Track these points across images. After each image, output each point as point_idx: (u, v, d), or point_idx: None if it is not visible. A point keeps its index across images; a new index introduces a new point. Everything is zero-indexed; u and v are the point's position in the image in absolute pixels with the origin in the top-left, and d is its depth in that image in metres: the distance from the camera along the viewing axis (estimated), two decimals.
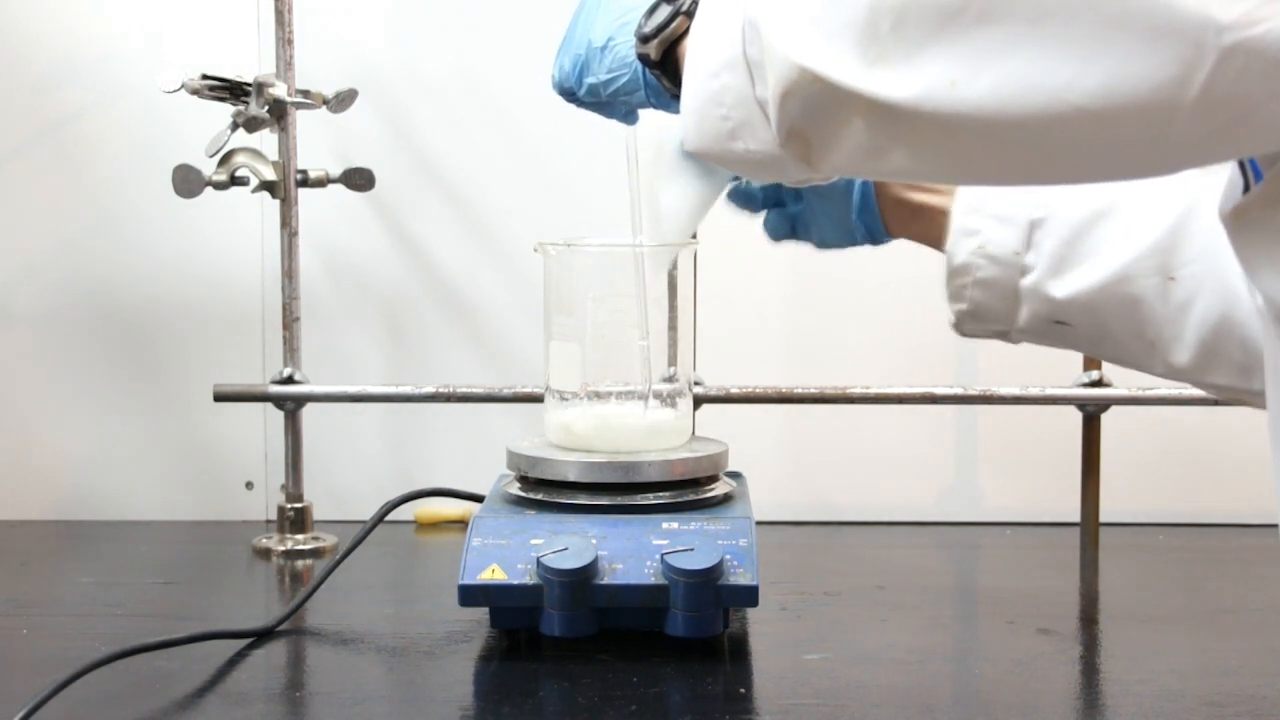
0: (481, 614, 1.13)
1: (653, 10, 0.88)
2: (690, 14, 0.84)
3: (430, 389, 1.48)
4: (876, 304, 1.59)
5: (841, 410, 1.51)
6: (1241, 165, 0.69)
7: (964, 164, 0.68)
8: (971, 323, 1.02)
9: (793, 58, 0.69)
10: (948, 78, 0.62)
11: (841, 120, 0.68)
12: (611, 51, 0.94)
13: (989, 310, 1.00)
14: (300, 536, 1.48)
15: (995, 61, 0.61)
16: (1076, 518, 1.48)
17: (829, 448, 1.61)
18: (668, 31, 0.87)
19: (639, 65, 0.92)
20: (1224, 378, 0.92)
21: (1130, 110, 0.59)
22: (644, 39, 0.89)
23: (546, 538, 1.08)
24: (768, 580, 1.10)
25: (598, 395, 1.22)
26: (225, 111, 1.43)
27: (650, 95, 0.94)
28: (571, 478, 1.16)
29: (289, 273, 1.47)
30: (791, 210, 1.10)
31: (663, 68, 0.88)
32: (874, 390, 1.46)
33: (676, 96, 0.84)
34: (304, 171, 1.48)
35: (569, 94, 1.01)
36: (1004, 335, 1.02)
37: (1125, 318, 0.94)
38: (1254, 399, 0.92)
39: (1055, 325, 0.98)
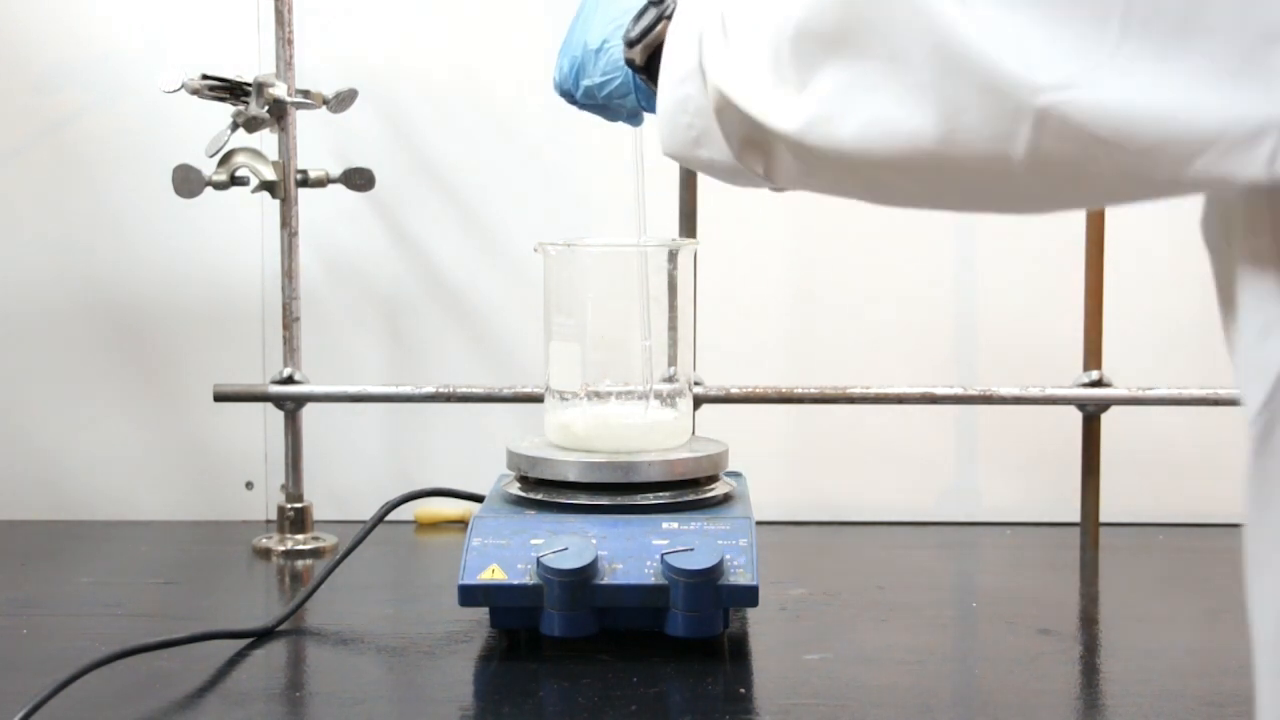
0: (481, 614, 1.13)
1: (640, 15, 0.88)
2: (673, 19, 0.84)
3: (430, 389, 1.48)
4: (876, 304, 1.60)
5: (841, 410, 1.51)
6: None
7: (872, 191, 0.69)
8: None
9: (712, 79, 0.71)
10: (826, 111, 0.64)
11: (771, 141, 0.70)
12: (606, 54, 0.95)
13: None
14: (300, 536, 1.48)
15: (862, 100, 0.62)
16: (1076, 518, 1.48)
17: (829, 448, 1.61)
18: (651, 36, 0.87)
19: (629, 69, 0.92)
20: None
21: (974, 160, 0.59)
22: (630, 43, 0.88)
23: (546, 538, 1.08)
24: (768, 580, 1.10)
25: (598, 395, 1.22)
26: (225, 111, 1.43)
27: (640, 99, 0.95)
28: (571, 478, 1.16)
29: (289, 273, 1.47)
30: None
31: (648, 72, 0.88)
32: (874, 390, 1.46)
33: None
34: (304, 171, 1.48)
35: (568, 96, 1.01)
36: None
37: None
38: None
39: None
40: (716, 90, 0.71)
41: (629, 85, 0.94)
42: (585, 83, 0.97)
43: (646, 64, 0.88)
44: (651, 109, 0.94)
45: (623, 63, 0.92)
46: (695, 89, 0.75)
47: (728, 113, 0.71)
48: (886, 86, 0.61)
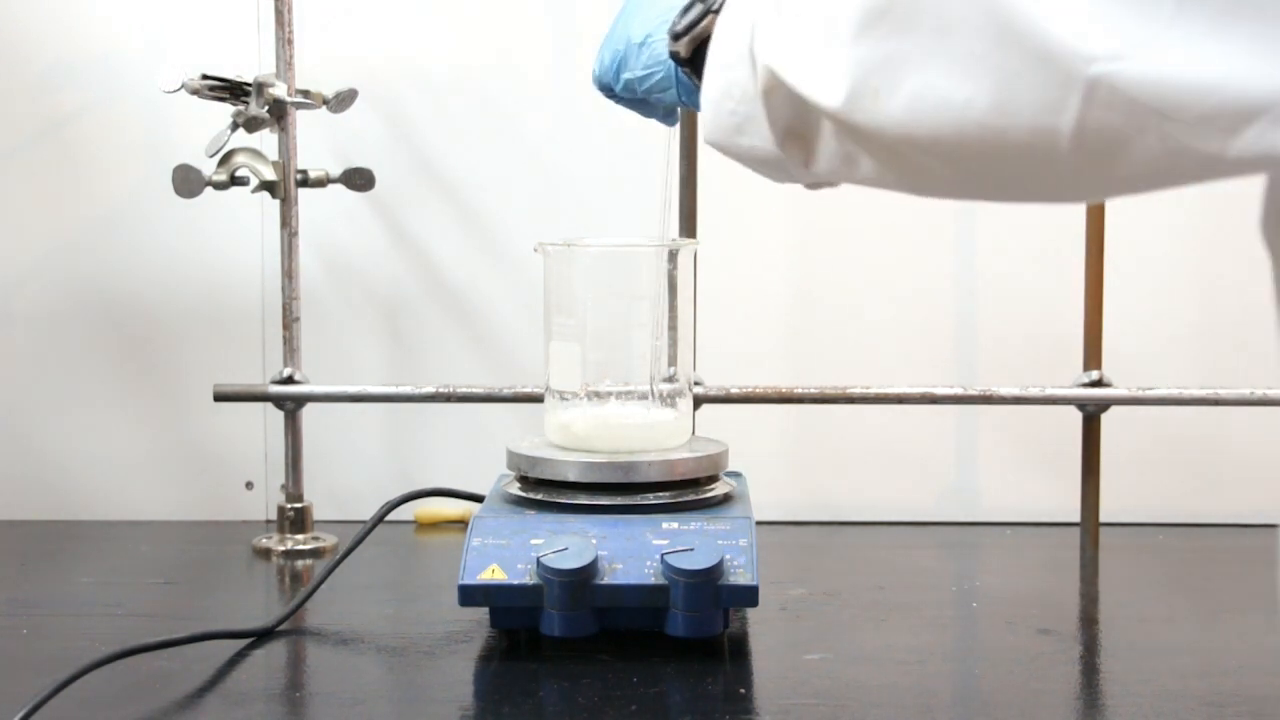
0: (481, 614, 1.13)
1: (687, 9, 0.89)
2: (719, 12, 0.84)
3: (430, 389, 1.48)
4: (876, 304, 1.60)
5: (841, 410, 1.51)
6: None
7: (917, 177, 0.69)
8: None
9: (763, 58, 0.71)
10: (871, 87, 0.64)
11: (816, 124, 0.70)
12: (649, 48, 0.95)
13: None
14: (300, 536, 1.48)
15: (910, 73, 0.62)
16: (1076, 518, 1.48)
17: (829, 448, 1.61)
18: (698, 29, 0.87)
19: (672, 63, 0.92)
20: None
21: (1020, 133, 0.60)
22: (675, 36, 0.89)
23: (546, 538, 1.08)
24: (768, 580, 1.10)
25: (598, 395, 1.22)
26: (225, 111, 1.43)
27: (682, 93, 0.95)
28: (571, 478, 1.16)
29: (289, 273, 1.47)
30: None
31: (693, 65, 0.89)
32: (874, 390, 1.46)
33: None
34: (304, 171, 1.48)
35: (607, 89, 1.02)
36: None
37: None
38: None
39: None
40: (767, 70, 0.71)
41: (670, 79, 0.95)
42: (626, 76, 0.98)
43: (691, 58, 0.88)
44: (692, 104, 0.94)
45: (665, 57, 0.92)
46: (742, 75, 0.75)
47: (776, 95, 0.71)
48: (936, 58, 0.61)
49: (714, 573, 1.05)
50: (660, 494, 1.15)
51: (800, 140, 0.72)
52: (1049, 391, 1.45)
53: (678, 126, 1.39)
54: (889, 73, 0.63)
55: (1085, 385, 1.45)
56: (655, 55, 0.95)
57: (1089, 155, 0.59)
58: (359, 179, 1.49)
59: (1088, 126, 0.57)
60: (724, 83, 0.77)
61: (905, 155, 0.66)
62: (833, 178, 0.76)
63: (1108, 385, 1.45)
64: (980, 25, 0.59)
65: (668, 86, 0.95)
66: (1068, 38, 0.56)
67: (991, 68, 0.59)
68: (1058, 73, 0.57)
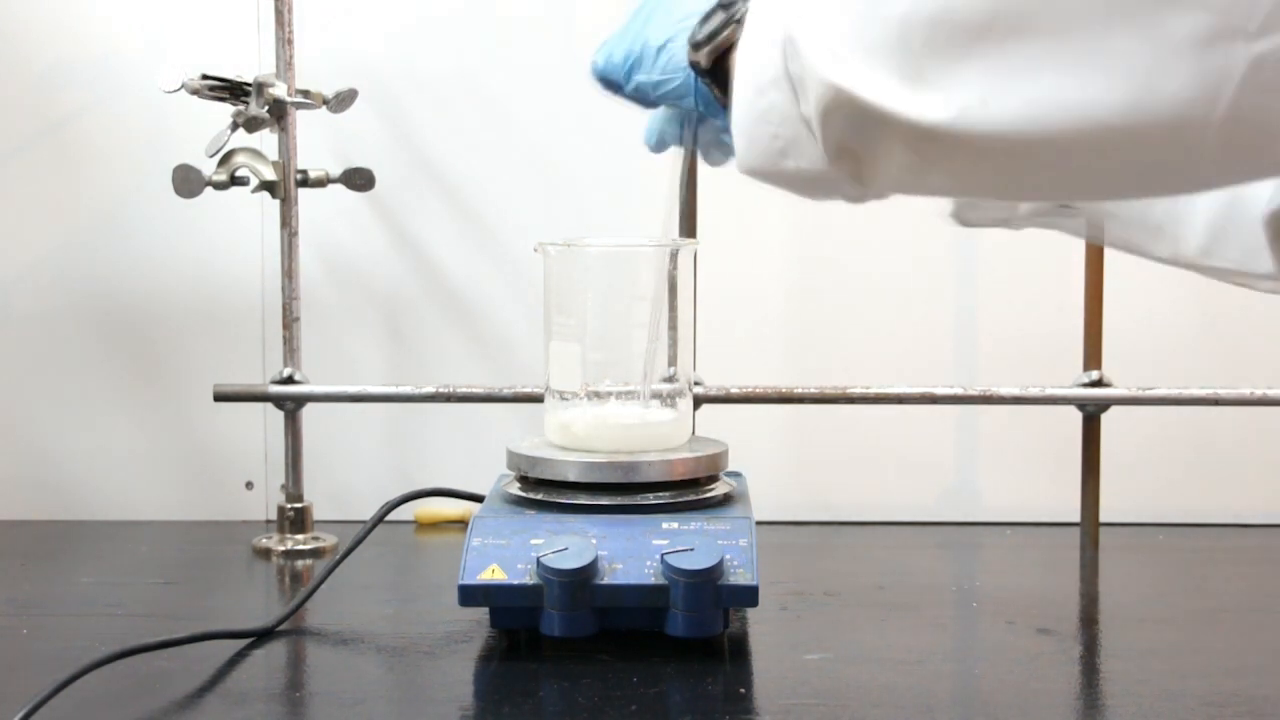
0: (481, 614, 1.13)
1: (708, 17, 0.86)
2: (742, 23, 0.81)
3: (430, 389, 1.48)
4: (877, 303, 1.60)
5: (841, 410, 1.51)
6: None
7: (1002, 182, 0.67)
8: (971, 212, 0.99)
9: (828, 78, 0.68)
10: (979, 96, 0.61)
11: (882, 139, 0.68)
12: (667, 53, 0.91)
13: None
14: (300, 536, 1.48)
15: (1025, 78, 0.60)
16: (1076, 518, 1.48)
17: (829, 448, 1.61)
18: (719, 40, 0.84)
19: (691, 72, 0.90)
20: (1230, 260, 0.89)
21: (1159, 127, 0.57)
22: (696, 46, 0.86)
23: (546, 538, 1.08)
24: (768, 580, 1.10)
25: (598, 395, 1.22)
26: (225, 111, 1.43)
27: (700, 102, 0.91)
28: (571, 478, 1.16)
29: (289, 273, 1.47)
30: None
31: (714, 76, 0.86)
32: (874, 390, 1.46)
33: (726, 106, 0.82)
34: (304, 171, 1.48)
35: (613, 85, 0.98)
36: (1005, 223, 0.98)
37: (1133, 202, 0.90)
38: (1257, 283, 0.89)
39: (1060, 209, 0.94)
40: (832, 88, 0.68)
41: (688, 87, 0.91)
42: (640, 79, 0.94)
43: (711, 68, 0.87)
44: (710, 112, 0.91)
45: (685, 64, 0.90)
46: (781, 97, 0.73)
47: (839, 114, 0.68)
48: (1056, 60, 0.59)
49: (714, 573, 1.05)
50: (660, 494, 1.15)
51: (854, 157, 0.70)
52: (1049, 391, 1.46)
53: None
54: (999, 80, 0.60)
55: (1085, 385, 1.45)
56: (675, 62, 0.91)
57: (1239, 141, 0.56)
58: (359, 179, 1.49)
59: (1243, 111, 0.54)
60: (761, 107, 0.75)
61: (1001, 161, 0.63)
62: (891, 190, 0.73)
63: (1108, 385, 1.45)
64: (1105, 20, 0.56)
65: (685, 94, 0.92)
66: (1217, 20, 0.53)
67: (1124, 66, 0.56)
68: (1211, 58, 0.54)
